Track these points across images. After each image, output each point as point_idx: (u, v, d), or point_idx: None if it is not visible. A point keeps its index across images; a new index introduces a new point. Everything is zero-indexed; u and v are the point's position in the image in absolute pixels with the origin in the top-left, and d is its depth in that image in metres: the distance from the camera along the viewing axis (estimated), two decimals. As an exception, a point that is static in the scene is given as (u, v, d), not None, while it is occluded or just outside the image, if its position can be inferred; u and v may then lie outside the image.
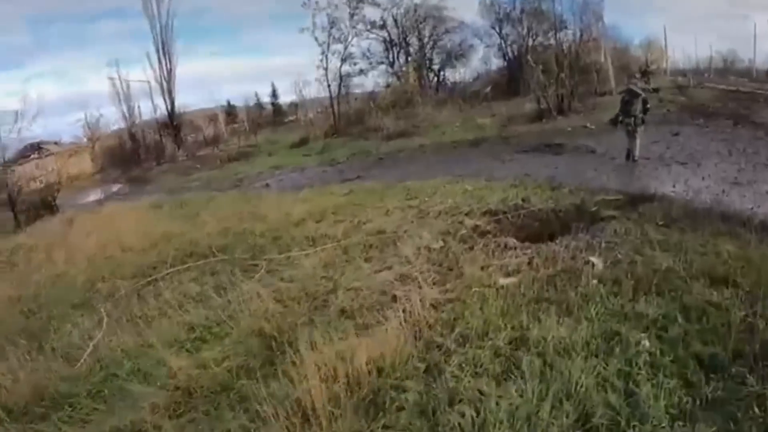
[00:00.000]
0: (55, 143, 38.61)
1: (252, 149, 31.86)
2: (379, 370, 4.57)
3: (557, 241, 7.30)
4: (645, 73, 26.17)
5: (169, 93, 35.51)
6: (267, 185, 18.42)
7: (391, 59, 35.28)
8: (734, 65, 34.16)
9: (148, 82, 35.37)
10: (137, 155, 35.18)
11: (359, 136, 26.59)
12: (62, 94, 65.49)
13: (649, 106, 12.70)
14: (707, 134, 14.49)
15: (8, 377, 5.86)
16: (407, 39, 35.32)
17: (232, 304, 6.73)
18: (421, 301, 5.72)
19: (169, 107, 35.97)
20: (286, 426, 4.01)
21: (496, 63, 35.43)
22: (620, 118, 12.70)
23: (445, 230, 8.50)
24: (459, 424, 3.80)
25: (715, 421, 3.61)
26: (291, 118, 44.12)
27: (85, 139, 39.69)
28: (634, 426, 3.62)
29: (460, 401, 4.06)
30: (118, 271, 9.72)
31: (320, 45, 30.49)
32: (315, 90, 34.86)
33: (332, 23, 30.37)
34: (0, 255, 13.31)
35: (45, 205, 21.36)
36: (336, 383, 4.38)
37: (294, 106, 43.70)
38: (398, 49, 35.21)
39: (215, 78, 75.90)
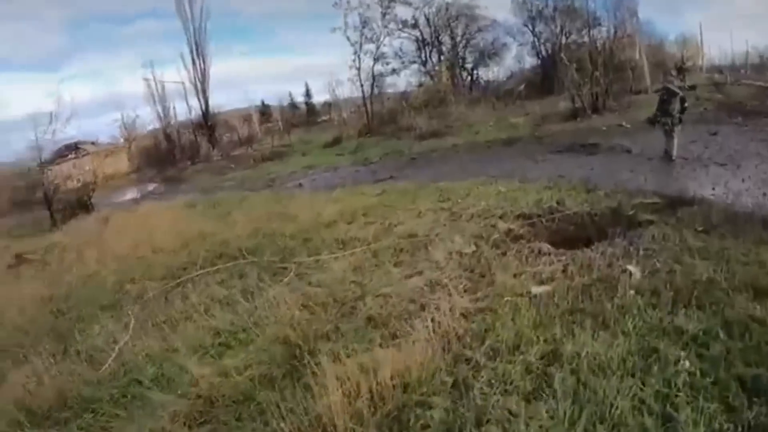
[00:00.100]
0: (92, 143, 39.55)
1: (286, 149, 32.03)
2: (405, 385, 4.33)
3: (593, 248, 6.94)
4: (681, 70, 25.39)
5: (203, 93, 36.16)
6: (300, 185, 18.41)
7: (423, 58, 35.26)
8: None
9: (183, 83, 35.96)
10: (172, 155, 35.74)
11: (392, 135, 26.47)
12: (97, 95, 67.52)
13: (686, 105, 12.29)
14: (746, 133, 13.84)
15: (33, 380, 5.85)
16: (439, 38, 35.24)
17: (258, 310, 6.58)
18: (450, 310, 5.47)
19: (203, 107, 36.51)
20: (306, 443, 3.83)
21: (530, 61, 35.30)
22: (658, 118, 12.29)
23: (477, 234, 8.22)
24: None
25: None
26: (324, 117, 44.47)
27: (121, 140, 40.60)
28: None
29: (488, 421, 3.81)
30: (148, 272, 9.72)
31: (352, 45, 30.72)
32: (348, 90, 35.02)
33: (364, 23, 30.64)
34: (34, 254, 13.54)
35: (81, 204, 21.74)
36: (359, 398, 4.17)
37: (327, 105, 43.94)
38: (431, 48, 35.13)
39: (249, 78, 77.29)
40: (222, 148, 35.64)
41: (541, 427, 3.67)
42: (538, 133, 19.36)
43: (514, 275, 6.34)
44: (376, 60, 31.88)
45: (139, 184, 31.15)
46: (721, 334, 4.48)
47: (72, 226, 17.54)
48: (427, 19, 34.07)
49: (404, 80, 35.06)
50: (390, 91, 34.48)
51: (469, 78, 36.68)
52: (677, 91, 12.24)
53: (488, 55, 35.94)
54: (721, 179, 9.63)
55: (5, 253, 14.42)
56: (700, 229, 7.02)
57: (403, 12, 32.59)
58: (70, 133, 27.71)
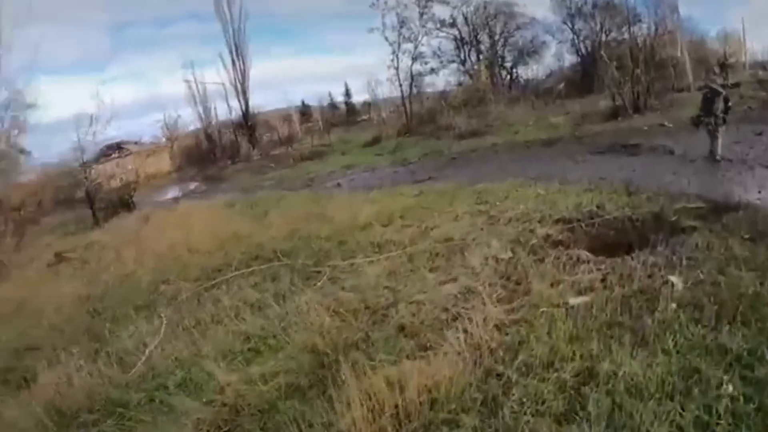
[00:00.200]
0: (135, 143, 40.44)
1: (325, 148, 32.08)
2: (433, 401, 4.12)
3: (634, 255, 6.55)
4: (723, 67, 24.40)
5: (243, 94, 36.54)
6: (338, 185, 18.31)
7: (462, 57, 34.78)
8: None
9: (223, 83, 36.39)
10: (213, 154, 36.28)
11: (431, 135, 26.18)
12: (139, 96, 69.42)
13: (730, 104, 11.66)
14: (793, 133, 13.11)
15: (64, 381, 5.87)
16: (478, 37, 34.72)
17: (289, 315, 6.48)
18: (484, 320, 5.23)
19: (243, 108, 36.90)
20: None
21: (569, 59, 34.31)
22: (701, 117, 11.76)
23: (515, 238, 7.93)
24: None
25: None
26: (364, 117, 44.40)
27: (163, 139, 41.39)
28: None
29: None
30: (183, 272, 9.77)
31: (391, 44, 30.50)
32: (387, 89, 34.79)
33: (402, 23, 30.40)
34: (74, 252, 13.80)
35: (122, 203, 22.29)
36: (383, 415, 3.98)
37: (367, 105, 43.83)
38: (469, 47, 34.67)
39: (289, 78, 77.91)
40: (262, 147, 35.94)
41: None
42: (579, 133, 18.84)
43: (551, 284, 6.04)
44: (414, 59, 31.68)
45: (180, 183, 31.71)
46: (767, 355, 4.13)
47: (113, 224, 17.94)
48: (465, 18, 33.67)
49: (443, 79, 34.72)
50: (429, 90, 34.23)
51: (509, 77, 36.08)
52: (720, 89, 11.70)
53: (527, 53, 35.28)
54: (767, 182, 9.12)
55: (47, 251, 14.77)
56: (746, 236, 6.56)
57: (440, 11, 32.28)
58: (112, 134, 28.36)
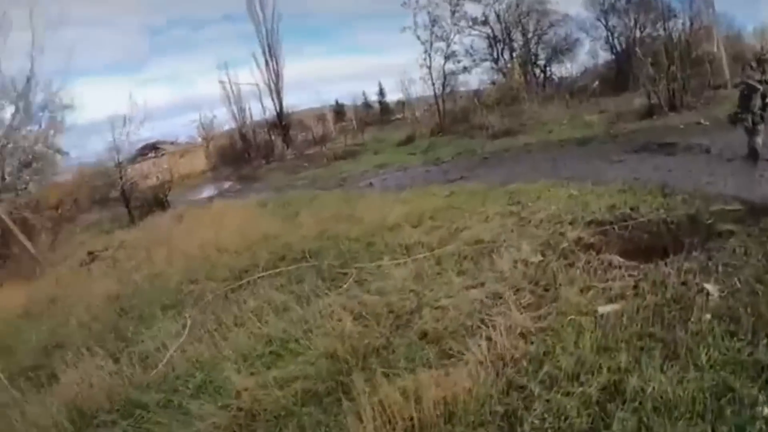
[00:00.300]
0: (172, 143, 41.14)
1: (359, 147, 32.00)
2: (450, 414, 3.94)
3: (668, 261, 6.22)
4: (761, 62, 23.50)
5: (277, 94, 36.78)
6: (370, 184, 18.21)
7: (495, 56, 34.24)
8: None
9: (257, 84, 36.72)
10: (247, 154, 36.55)
11: (464, 134, 25.87)
12: (174, 97, 70.82)
13: None
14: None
15: (86, 380, 5.90)
16: (511, 34, 34.09)
17: (312, 319, 6.39)
18: (509, 328, 5.03)
19: (277, 108, 37.19)
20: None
21: (603, 56, 33.40)
22: (739, 115, 11.25)
23: (545, 241, 7.67)
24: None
25: None
26: (398, 116, 44.16)
27: (199, 139, 41.99)
28: None
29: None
30: (211, 272, 9.78)
31: (423, 43, 30.25)
32: (421, 88, 34.53)
33: (434, 21, 30.07)
34: (106, 251, 14.02)
35: (157, 201, 22.66)
36: (396, 428, 3.84)
37: (401, 104, 43.61)
38: (502, 45, 34.10)
39: (322, 78, 78.34)
40: (296, 147, 36.07)
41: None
42: (613, 132, 18.31)
43: (581, 290, 5.76)
44: (447, 58, 31.31)
45: (215, 182, 32.13)
46: (807, 374, 3.81)
47: (148, 223, 18.21)
48: (498, 16, 33.16)
49: (476, 78, 34.20)
50: (462, 89, 33.78)
51: (542, 75, 35.38)
52: (758, 86, 11.14)
53: (561, 50, 34.52)
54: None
55: (80, 249, 15.06)
56: None
57: (472, 9, 31.91)
58: (146, 134, 29.04)
